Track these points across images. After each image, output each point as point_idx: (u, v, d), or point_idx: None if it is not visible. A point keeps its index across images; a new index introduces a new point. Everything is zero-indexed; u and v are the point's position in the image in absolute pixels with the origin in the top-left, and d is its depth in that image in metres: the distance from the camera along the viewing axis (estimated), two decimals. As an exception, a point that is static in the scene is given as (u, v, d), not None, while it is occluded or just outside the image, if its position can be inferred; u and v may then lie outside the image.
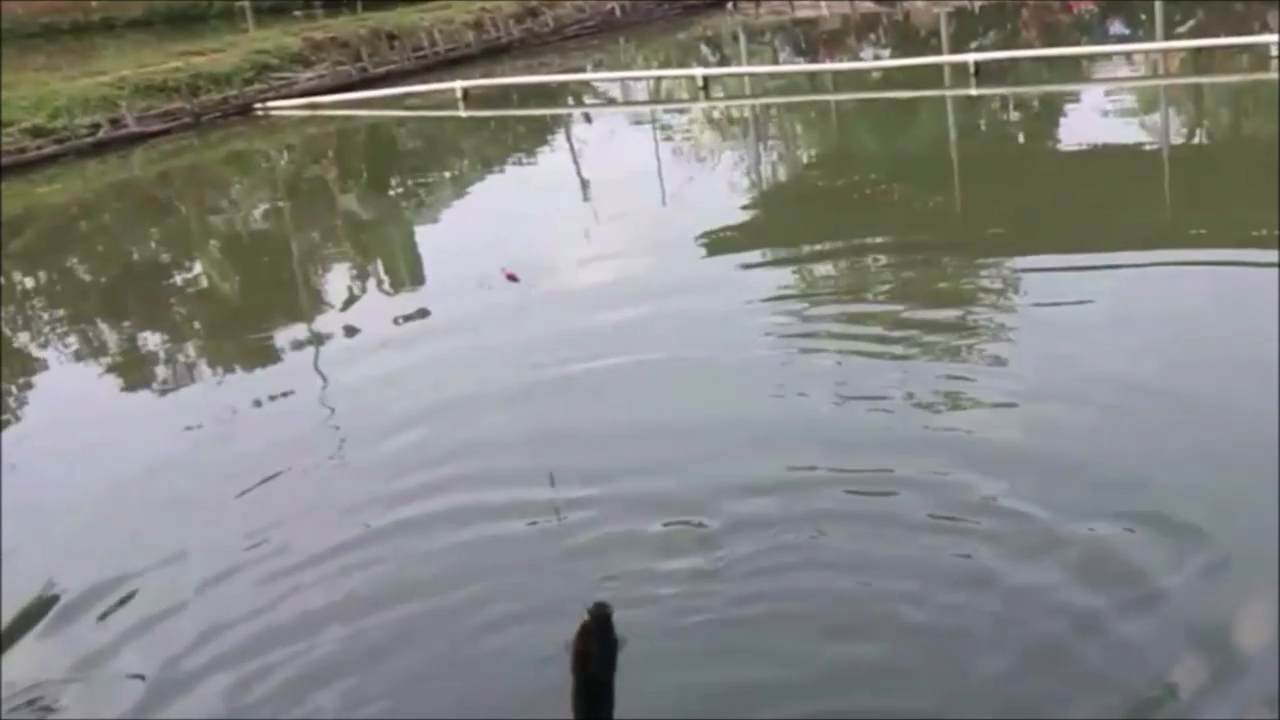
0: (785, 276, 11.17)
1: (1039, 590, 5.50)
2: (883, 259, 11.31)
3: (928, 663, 5.12)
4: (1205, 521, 5.85)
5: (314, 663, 5.53)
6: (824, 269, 11.30)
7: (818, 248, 11.91)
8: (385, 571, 6.32)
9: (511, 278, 11.26)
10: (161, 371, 10.56)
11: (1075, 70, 21.48)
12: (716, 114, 21.49)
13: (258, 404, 9.18)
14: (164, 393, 9.98)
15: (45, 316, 13.05)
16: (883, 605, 5.53)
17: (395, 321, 11.01)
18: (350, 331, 10.92)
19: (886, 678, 5.08)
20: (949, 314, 9.40)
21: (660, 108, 22.85)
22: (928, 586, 5.60)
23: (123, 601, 6.19)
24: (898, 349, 8.70)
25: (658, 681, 4.98)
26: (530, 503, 6.80)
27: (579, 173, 17.76)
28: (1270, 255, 9.64)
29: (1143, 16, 28.29)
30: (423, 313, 11.24)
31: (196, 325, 12.08)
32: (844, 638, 5.35)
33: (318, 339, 10.78)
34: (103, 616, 6.06)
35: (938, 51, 24.20)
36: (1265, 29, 23.12)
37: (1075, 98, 20.16)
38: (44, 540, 7.06)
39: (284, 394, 9.32)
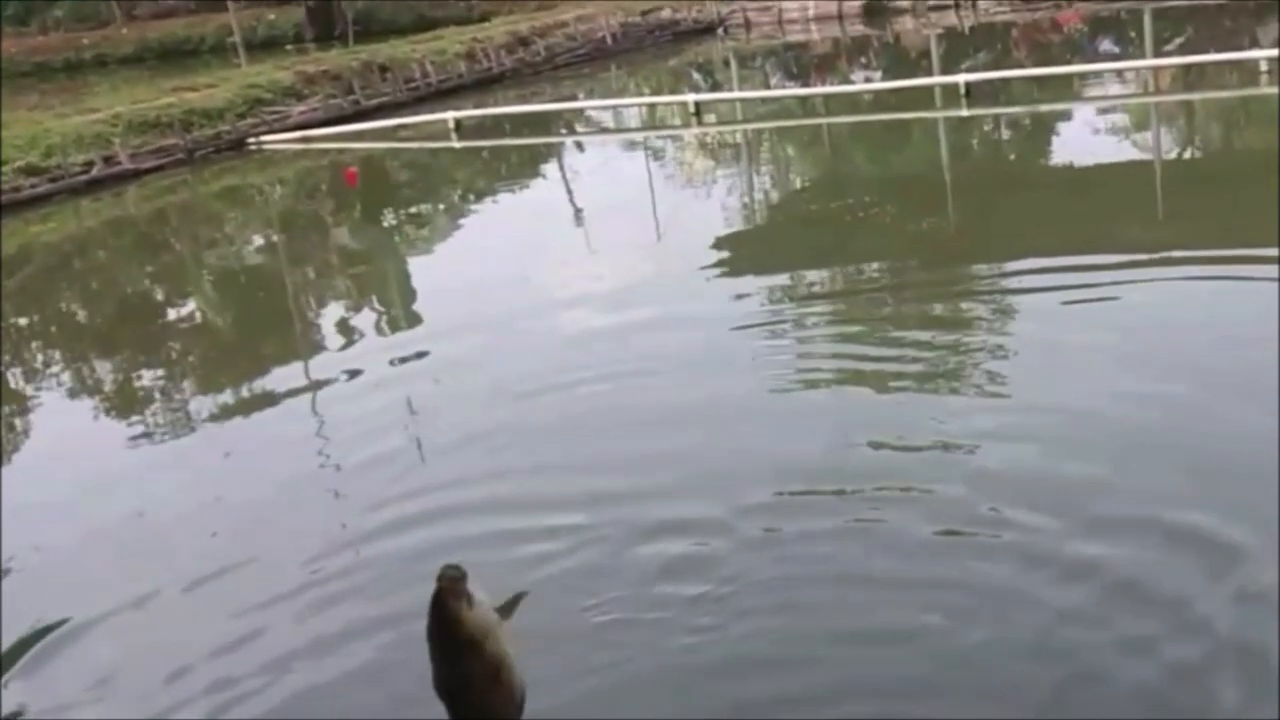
0: (781, 296, 11.15)
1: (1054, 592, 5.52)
2: (878, 277, 11.35)
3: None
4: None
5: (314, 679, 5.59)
6: (820, 288, 11.32)
7: (813, 268, 11.91)
8: (376, 590, 6.37)
9: (352, 176, 11.50)
10: (154, 405, 10.54)
11: (1066, 89, 21.53)
12: (709, 139, 21.53)
13: (251, 432, 9.20)
14: (157, 425, 9.94)
15: (40, 355, 13.03)
16: (905, 614, 5.53)
17: (389, 351, 11.00)
18: (344, 355, 10.95)
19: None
20: (946, 326, 9.49)
21: (653, 134, 22.88)
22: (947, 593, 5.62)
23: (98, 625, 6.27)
24: (898, 360, 8.75)
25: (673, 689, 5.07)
26: (529, 514, 6.84)
27: (572, 201, 17.78)
28: (1269, 267, 9.64)
29: (1132, 34, 28.41)
30: (416, 341, 11.26)
31: (191, 360, 12.07)
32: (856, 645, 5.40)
33: (312, 364, 10.79)
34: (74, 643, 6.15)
35: (928, 73, 24.24)
36: (1254, 44, 23.19)
37: (1067, 116, 20.20)
38: (35, 572, 7.13)
39: (279, 418, 9.35)
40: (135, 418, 10.26)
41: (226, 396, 10.27)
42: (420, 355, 10.50)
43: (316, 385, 10.03)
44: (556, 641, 5.48)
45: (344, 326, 12.23)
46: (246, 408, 9.89)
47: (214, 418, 9.73)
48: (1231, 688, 4.77)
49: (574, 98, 27.33)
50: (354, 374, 10.09)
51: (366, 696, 5.39)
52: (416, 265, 14.98)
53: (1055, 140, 18.50)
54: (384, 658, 5.60)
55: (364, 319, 12.65)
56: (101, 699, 5.67)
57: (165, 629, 6.22)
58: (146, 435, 9.69)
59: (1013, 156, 18.69)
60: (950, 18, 33.82)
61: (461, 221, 17.76)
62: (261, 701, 5.44)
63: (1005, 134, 19.87)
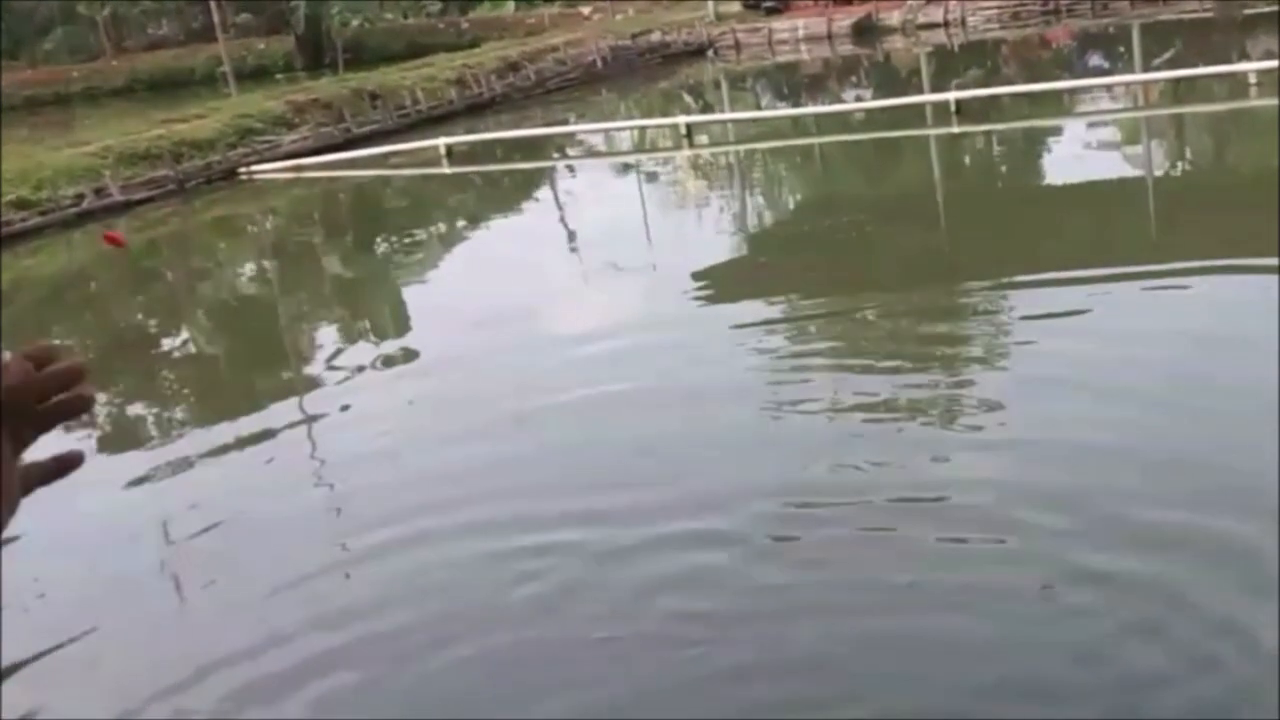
0: (775, 311, 11.14)
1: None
2: (872, 291, 11.33)
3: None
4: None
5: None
6: (813, 302, 11.29)
7: (807, 286, 11.88)
8: (376, 595, 6.43)
9: (113, 240, 11.37)
10: (147, 432, 10.51)
11: (1057, 105, 21.55)
12: (701, 161, 21.52)
13: (248, 456, 9.20)
14: (149, 451, 9.92)
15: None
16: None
17: (384, 371, 11.06)
18: (338, 376, 10.97)
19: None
20: (942, 335, 9.53)
21: (644, 157, 22.87)
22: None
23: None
24: (896, 367, 8.83)
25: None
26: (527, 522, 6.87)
27: (565, 224, 17.75)
28: (1267, 269, 9.68)
29: (1121, 49, 28.49)
30: (409, 361, 11.28)
31: (183, 395, 12.01)
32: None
33: (306, 391, 10.78)
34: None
35: (919, 91, 24.29)
36: (1243, 57, 23.24)
37: (1057, 132, 20.22)
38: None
39: (273, 445, 9.34)
40: (132, 440, 10.24)
41: (220, 419, 10.25)
42: (415, 375, 10.52)
43: (311, 419, 10.00)
44: (568, 647, 5.59)
45: (336, 351, 12.18)
46: (240, 428, 9.87)
47: (207, 440, 9.71)
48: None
49: (565, 122, 27.35)
50: (348, 406, 10.04)
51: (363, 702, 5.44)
52: (410, 291, 14.94)
53: (1046, 156, 18.50)
54: (377, 672, 5.65)
55: (356, 342, 12.64)
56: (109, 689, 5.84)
57: (171, 636, 6.35)
58: (143, 457, 9.69)
59: (1003, 172, 18.69)
60: (940, 36, 33.93)
61: (454, 246, 17.73)
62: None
63: (996, 150, 19.87)
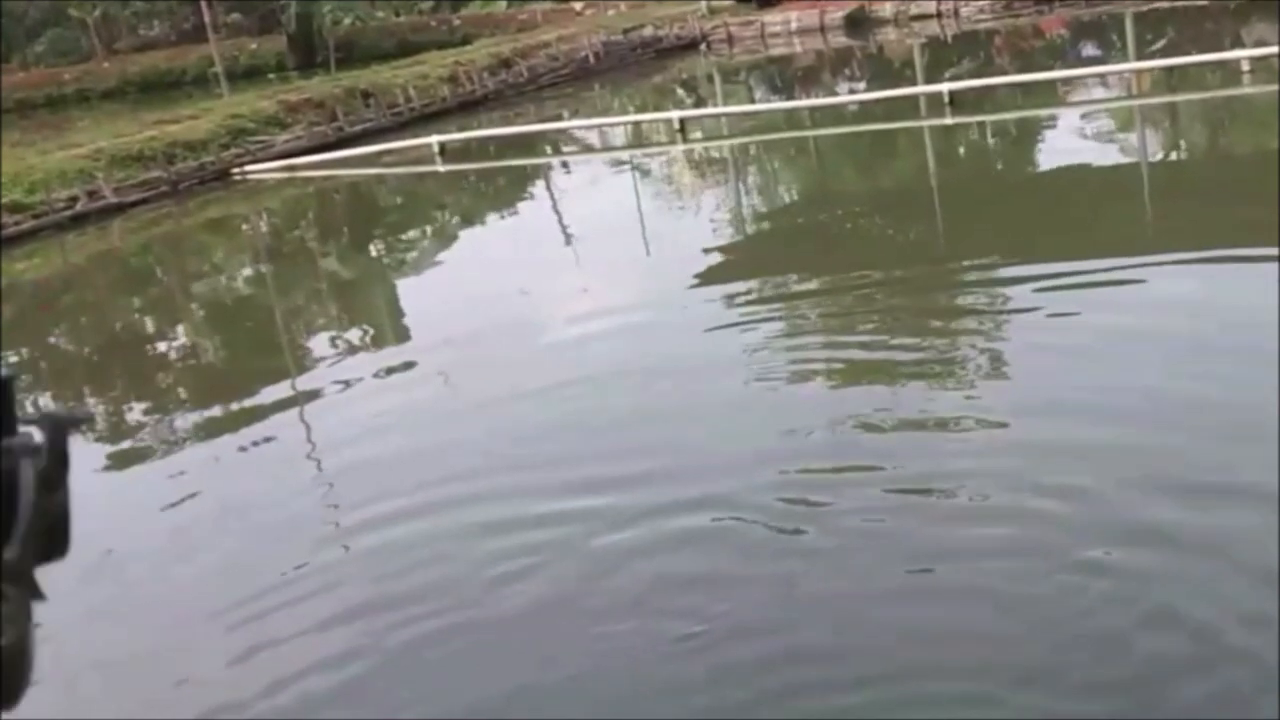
0: (772, 303, 11.14)
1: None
2: (868, 282, 11.33)
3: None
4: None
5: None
6: (811, 294, 11.32)
7: (803, 276, 11.91)
8: (372, 581, 6.46)
9: None
10: (147, 432, 10.50)
11: (1050, 94, 21.51)
12: (696, 155, 21.49)
13: (243, 451, 9.21)
14: (150, 449, 9.92)
15: (31, 392, 12.92)
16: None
17: (380, 364, 11.08)
18: (336, 372, 10.96)
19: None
20: (936, 325, 9.58)
21: (638, 152, 22.83)
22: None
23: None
24: (893, 354, 8.89)
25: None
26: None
27: (560, 220, 17.72)
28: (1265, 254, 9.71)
29: (1114, 37, 28.47)
30: (407, 363, 11.26)
31: (182, 389, 12.00)
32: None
33: (303, 382, 10.81)
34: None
35: (912, 82, 24.25)
36: (1237, 44, 23.22)
37: (1051, 121, 20.18)
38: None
39: (269, 442, 9.34)
40: (134, 436, 10.24)
41: (219, 415, 10.27)
42: (410, 367, 10.59)
43: (309, 396, 10.11)
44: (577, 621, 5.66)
45: (334, 347, 12.19)
46: (241, 425, 9.88)
47: (207, 436, 9.74)
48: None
49: (558, 118, 27.27)
50: (346, 385, 10.18)
51: (362, 684, 5.46)
52: (405, 286, 14.94)
53: (1040, 145, 18.48)
54: (375, 643, 5.73)
55: (353, 339, 12.68)
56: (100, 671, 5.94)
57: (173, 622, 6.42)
58: (133, 443, 9.73)
59: (997, 162, 18.67)
60: (933, 27, 33.87)
61: (449, 243, 17.70)
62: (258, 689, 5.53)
63: (990, 141, 19.85)
